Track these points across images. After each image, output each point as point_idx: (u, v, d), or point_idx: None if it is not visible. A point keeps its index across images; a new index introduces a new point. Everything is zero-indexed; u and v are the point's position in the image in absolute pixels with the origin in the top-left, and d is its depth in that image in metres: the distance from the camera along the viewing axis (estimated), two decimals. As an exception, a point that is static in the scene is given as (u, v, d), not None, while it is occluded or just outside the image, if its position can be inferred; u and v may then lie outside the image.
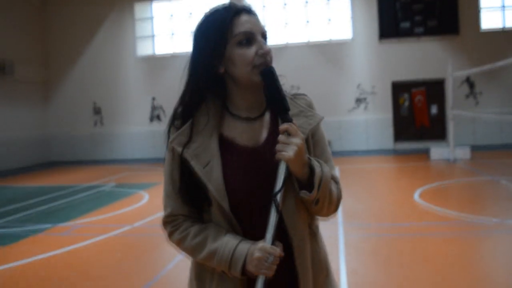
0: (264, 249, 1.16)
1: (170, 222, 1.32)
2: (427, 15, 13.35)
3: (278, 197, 1.18)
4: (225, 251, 1.20)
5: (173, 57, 14.56)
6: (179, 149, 1.27)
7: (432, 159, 10.91)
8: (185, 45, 14.61)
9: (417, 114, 13.78)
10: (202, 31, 1.28)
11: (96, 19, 15.33)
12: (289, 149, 1.16)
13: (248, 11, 1.27)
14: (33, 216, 6.92)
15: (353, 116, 13.92)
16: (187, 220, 1.30)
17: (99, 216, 6.74)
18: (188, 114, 1.30)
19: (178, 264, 4.36)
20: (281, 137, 1.18)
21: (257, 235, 1.22)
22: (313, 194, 1.20)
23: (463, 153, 10.77)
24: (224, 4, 1.29)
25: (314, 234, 1.34)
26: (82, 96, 15.57)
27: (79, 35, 15.48)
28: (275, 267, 1.16)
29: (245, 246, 1.20)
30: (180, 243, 1.30)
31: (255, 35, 1.24)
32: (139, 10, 15.22)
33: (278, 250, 1.16)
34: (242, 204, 1.24)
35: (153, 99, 14.99)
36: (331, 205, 1.28)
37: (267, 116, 1.33)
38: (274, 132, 1.28)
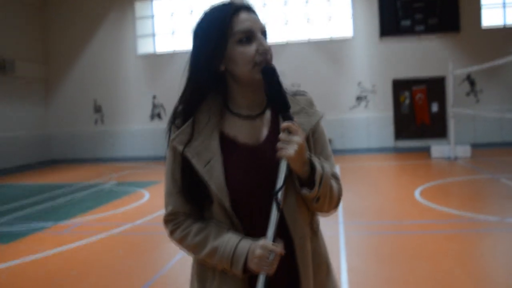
0: (265, 247, 1.16)
1: (171, 221, 1.32)
2: (428, 13, 13.32)
3: (279, 195, 1.18)
4: (227, 248, 1.21)
5: (173, 55, 14.55)
6: (180, 147, 1.27)
7: (432, 157, 10.90)
8: (186, 43, 14.58)
9: (418, 112, 13.77)
10: (202, 30, 1.28)
11: (97, 17, 15.32)
12: (290, 147, 1.16)
13: (247, 8, 1.27)
14: (34, 214, 6.93)
15: (354, 114, 13.92)
16: (189, 218, 1.31)
17: (100, 214, 6.75)
18: (189, 112, 1.30)
19: (179, 262, 4.37)
20: (282, 135, 1.18)
21: (258, 233, 1.22)
22: (314, 192, 1.20)
23: (464, 151, 10.77)
24: (223, 2, 1.28)
25: (314, 231, 1.34)
26: (82, 95, 15.58)
27: (80, 33, 15.48)
28: (276, 265, 1.16)
29: (246, 244, 1.20)
30: (181, 241, 1.30)
31: (255, 33, 1.24)
32: (140, 8, 15.20)
33: (279, 248, 1.16)
34: (243, 202, 1.24)
35: (154, 97, 14.99)
36: (331, 202, 1.28)
37: (267, 114, 1.33)
38: (274, 130, 1.28)
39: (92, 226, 6.10)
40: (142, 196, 7.92)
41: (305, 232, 1.27)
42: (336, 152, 12.54)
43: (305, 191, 1.21)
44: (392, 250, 4.51)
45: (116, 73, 15.29)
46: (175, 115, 1.32)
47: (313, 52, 14.01)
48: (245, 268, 1.20)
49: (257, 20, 1.26)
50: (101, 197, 8.14)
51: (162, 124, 13.62)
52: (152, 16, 15.22)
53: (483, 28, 13.29)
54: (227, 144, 1.28)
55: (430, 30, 13.36)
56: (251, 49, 1.23)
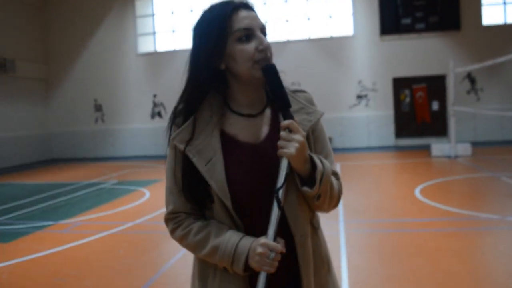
0: (266, 245, 1.16)
1: (172, 219, 1.32)
2: (429, 11, 13.31)
3: (280, 193, 1.18)
4: (228, 247, 1.21)
5: (174, 54, 14.55)
6: (181, 146, 1.27)
7: (433, 155, 10.90)
8: (186, 42, 14.58)
9: (418, 110, 13.76)
10: (201, 28, 1.28)
11: (97, 16, 15.32)
12: (290, 146, 1.16)
13: (246, 6, 1.27)
14: (34, 214, 6.94)
15: (354, 113, 13.91)
16: (190, 217, 1.31)
17: (100, 213, 6.76)
18: (189, 111, 1.30)
19: (180, 261, 4.37)
20: (282, 134, 1.18)
21: (258, 231, 1.22)
22: (315, 190, 1.20)
23: (464, 149, 10.77)
24: (222, 0, 1.28)
25: (315, 229, 1.34)
26: (83, 94, 15.58)
27: (80, 32, 15.48)
28: (277, 263, 1.17)
29: (247, 242, 1.20)
30: (182, 240, 1.30)
31: (255, 31, 1.24)
32: (140, 6, 15.20)
33: (280, 246, 1.16)
34: (244, 201, 1.24)
35: (154, 96, 14.99)
36: (332, 200, 1.29)
37: (268, 112, 1.33)
38: (275, 129, 1.28)
39: (93, 225, 6.11)
40: (142, 195, 7.92)
41: (306, 230, 1.27)
42: (337, 150, 12.54)
43: (306, 189, 1.21)
44: (392, 248, 4.51)
45: (117, 72, 15.29)
46: (175, 114, 1.32)
47: (313, 51, 14.00)
48: (246, 267, 1.20)
49: (256, 18, 1.26)
50: (102, 196, 8.15)
51: (163, 123, 13.63)
52: (153, 15, 15.22)
53: (483, 26, 13.27)
54: (228, 143, 1.28)
55: (430, 28, 13.35)
56: (251, 47, 1.23)
